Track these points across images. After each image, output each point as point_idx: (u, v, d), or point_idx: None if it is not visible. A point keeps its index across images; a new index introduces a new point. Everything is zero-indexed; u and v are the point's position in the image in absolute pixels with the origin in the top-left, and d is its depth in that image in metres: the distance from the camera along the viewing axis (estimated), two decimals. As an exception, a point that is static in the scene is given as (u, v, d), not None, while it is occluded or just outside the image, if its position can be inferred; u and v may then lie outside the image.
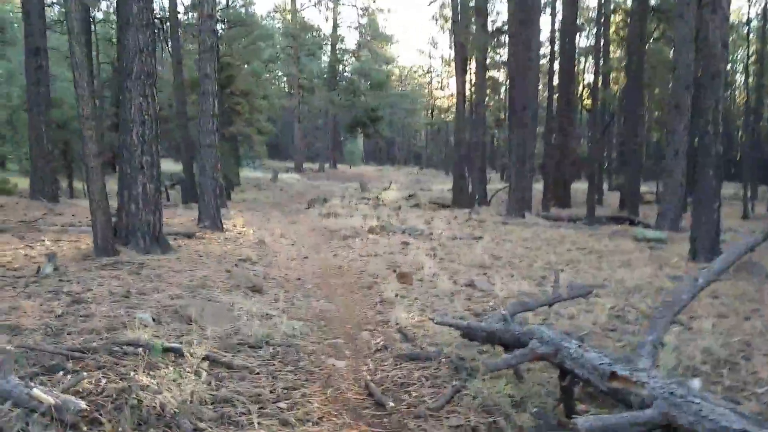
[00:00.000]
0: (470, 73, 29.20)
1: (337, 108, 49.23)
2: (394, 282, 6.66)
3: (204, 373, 3.56)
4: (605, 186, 33.23)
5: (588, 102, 45.03)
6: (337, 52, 52.34)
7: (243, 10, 33.54)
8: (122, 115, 6.97)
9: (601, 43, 24.39)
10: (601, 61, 20.71)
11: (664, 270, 8.36)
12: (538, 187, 27.51)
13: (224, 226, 10.65)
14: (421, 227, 12.97)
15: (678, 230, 13.44)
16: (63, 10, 27.31)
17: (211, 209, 9.98)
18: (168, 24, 19.47)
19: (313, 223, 15.18)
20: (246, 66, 29.12)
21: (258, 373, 3.75)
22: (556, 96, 26.91)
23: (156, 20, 25.48)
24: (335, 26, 51.40)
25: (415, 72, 63.08)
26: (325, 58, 53.91)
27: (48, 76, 13.78)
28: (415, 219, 15.92)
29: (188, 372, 3.54)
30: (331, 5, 50.70)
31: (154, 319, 4.40)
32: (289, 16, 49.85)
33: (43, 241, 7.32)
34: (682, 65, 12.88)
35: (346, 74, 52.48)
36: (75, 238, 7.64)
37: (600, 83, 20.47)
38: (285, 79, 55.85)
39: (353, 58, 54.12)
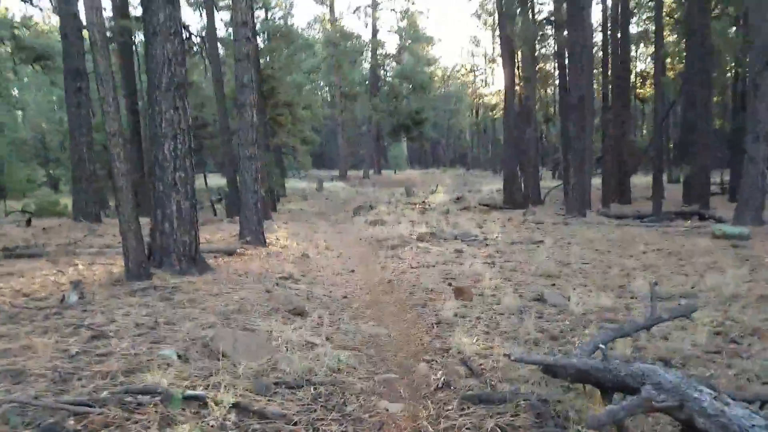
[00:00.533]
0: (518, 68, 28.11)
1: (380, 114, 48.84)
2: (450, 298, 5.92)
3: (231, 427, 2.96)
4: (663, 178, 31.19)
5: (641, 91, 42.83)
6: (378, 57, 51.99)
7: (282, 22, 33.64)
8: (152, 129, 6.54)
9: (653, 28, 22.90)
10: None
11: (760, 272, 7.26)
12: (595, 182, 26.09)
13: (267, 240, 10.18)
14: (474, 232, 12.15)
15: (761, 224, 12.08)
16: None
17: (253, 224, 9.51)
18: (207, 38, 19.45)
19: (359, 232, 14.60)
20: (288, 78, 29.10)
21: (296, 424, 3.11)
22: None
23: (195, 36, 25.66)
24: (375, 32, 51.08)
25: (457, 72, 62.00)
26: (366, 65, 53.70)
27: (88, 98, 13.76)
28: (466, 223, 15.11)
29: (212, 426, 2.94)
30: (370, 11, 50.44)
31: (179, 356, 3.84)
32: (328, 26, 49.89)
33: (77, 265, 6.98)
34: (761, 39, 11.55)
35: (387, 79, 52.02)
36: (111, 260, 7.28)
37: (656, 69, 19.06)
38: (327, 88, 56.05)
39: (394, 62, 53.72)
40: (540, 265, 7.64)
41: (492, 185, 37.61)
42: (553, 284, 6.64)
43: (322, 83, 55.96)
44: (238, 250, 8.52)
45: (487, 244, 10.38)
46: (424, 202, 26.41)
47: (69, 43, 13.26)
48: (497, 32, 42.55)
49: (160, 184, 6.43)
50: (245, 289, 5.91)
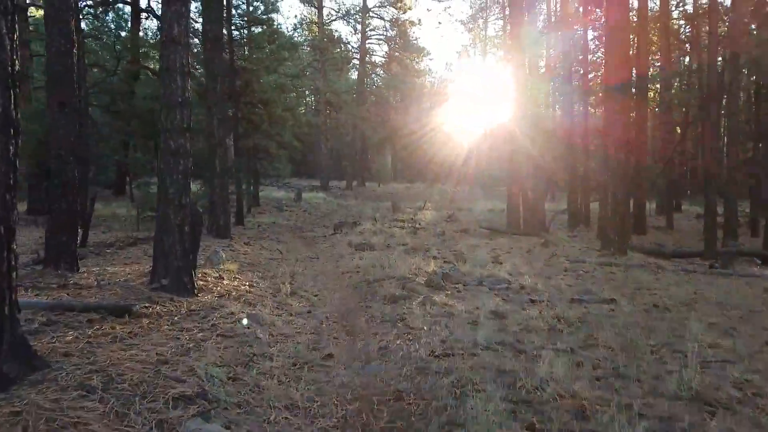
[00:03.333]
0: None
1: (366, 124, 45.59)
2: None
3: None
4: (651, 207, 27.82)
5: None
6: (366, 65, 48.82)
7: (265, 17, 30.12)
8: None
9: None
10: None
11: None
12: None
13: (203, 281, 6.62)
14: (501, 274, 8.71)
15: None
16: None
17: (174, 258, 5.90)
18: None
19: (341, 260, 11.13)
20: (268, 77, 25.65)
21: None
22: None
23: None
24: (364, 39, 47.90)
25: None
26: (353, 73, 50.48)
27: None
28: (474, 253, 11.78)
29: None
30: (359, 17, 47.26)
31: None
32: (315, 29, 46.64)
33: None
34: None
35: (375, 87, 48.84)
36: None
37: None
38: (311, 96, 52.48)
39: (382, 72, 50.65)
40: (663, 366, 4.23)
41: (484, 204, 34.52)
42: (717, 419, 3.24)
43: (306, 91, 52.38)
44: (135, 308, 4.94)
45: (532, 300, 6.97)
46: (413, 219, 23.10)
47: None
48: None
49: None
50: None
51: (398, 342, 5.06)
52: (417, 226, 20.66)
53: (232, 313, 5.36)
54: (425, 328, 5.46)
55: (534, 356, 4.61)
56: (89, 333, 4.16)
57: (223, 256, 8.36)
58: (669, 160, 24.46)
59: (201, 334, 4.60)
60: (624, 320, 6.03)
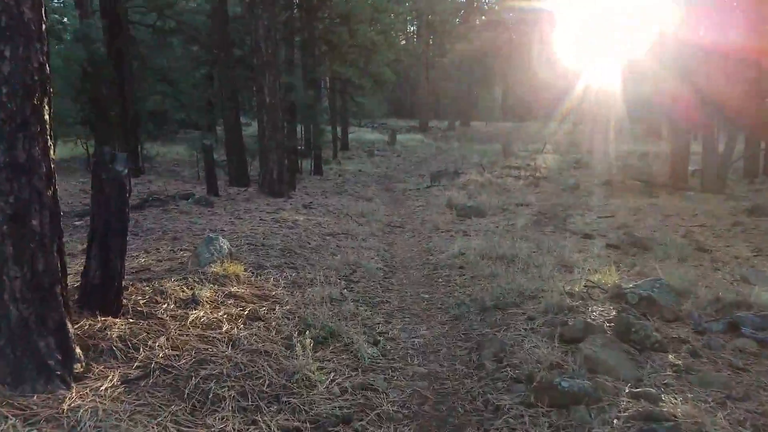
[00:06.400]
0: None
1: (474, 52, 39.81)
2: None
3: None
4: None
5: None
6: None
7: None
8: None
9: None
10: None
11: None
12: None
13: (132, 324, 3.04)
14: (755, 297, 4.33)
15: None
16: None
17: (11, 300, 2.29)
18: None
19: (434, 236, 7.23)
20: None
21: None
22: None
23: None
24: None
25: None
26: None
27: None
28: (641, 223, 7.39)
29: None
30: None
31: None
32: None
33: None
34: None
35: (486, 7, 42.61)
36: None
37: None
38: (412, 23, 47.08)
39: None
40: None
41: (617, 144, 28.38)
42: None
43: (407, 16, 46.98)
44: None
45: None
46: (531, 166, 18.25)
47: None
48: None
49: None
50: None
51: None
52: (537, 174, 16.16)
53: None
54: None
55: None
56: None
57: (225, 246, 4.63)
58: None
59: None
60: None
